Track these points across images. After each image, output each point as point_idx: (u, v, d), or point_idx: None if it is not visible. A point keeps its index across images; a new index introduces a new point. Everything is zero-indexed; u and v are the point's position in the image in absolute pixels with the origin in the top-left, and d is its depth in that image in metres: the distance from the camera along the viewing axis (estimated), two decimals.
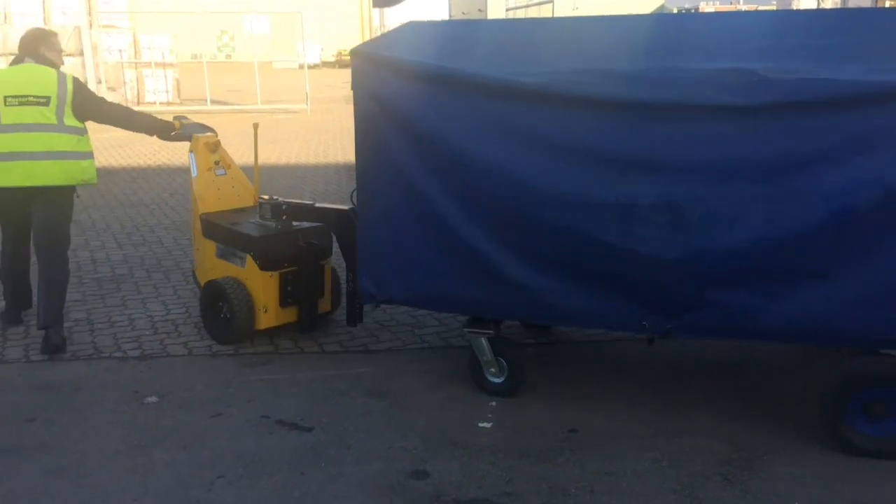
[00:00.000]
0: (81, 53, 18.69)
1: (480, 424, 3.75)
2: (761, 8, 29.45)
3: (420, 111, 3.73)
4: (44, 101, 4.50)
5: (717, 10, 38.74)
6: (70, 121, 4.60)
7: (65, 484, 3.24)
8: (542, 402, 3.98)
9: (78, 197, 4.77)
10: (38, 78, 4.57)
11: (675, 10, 57.32)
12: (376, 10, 43.55)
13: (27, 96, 4.48)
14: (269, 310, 4.57)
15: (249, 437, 3.62)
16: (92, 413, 3.84)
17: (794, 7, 24.78)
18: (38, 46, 4.73)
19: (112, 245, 6.95)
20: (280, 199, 4.79)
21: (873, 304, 3.20)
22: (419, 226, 3.82)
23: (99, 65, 19.13)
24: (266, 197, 4.84)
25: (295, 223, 4.74)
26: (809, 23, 3.44)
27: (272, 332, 4.84)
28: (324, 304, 4.88)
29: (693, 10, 47.40)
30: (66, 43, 18.50)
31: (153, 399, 3.99)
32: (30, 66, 4.64)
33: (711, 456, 3.45)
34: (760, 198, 3.24)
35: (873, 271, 3.18)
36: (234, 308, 4.51)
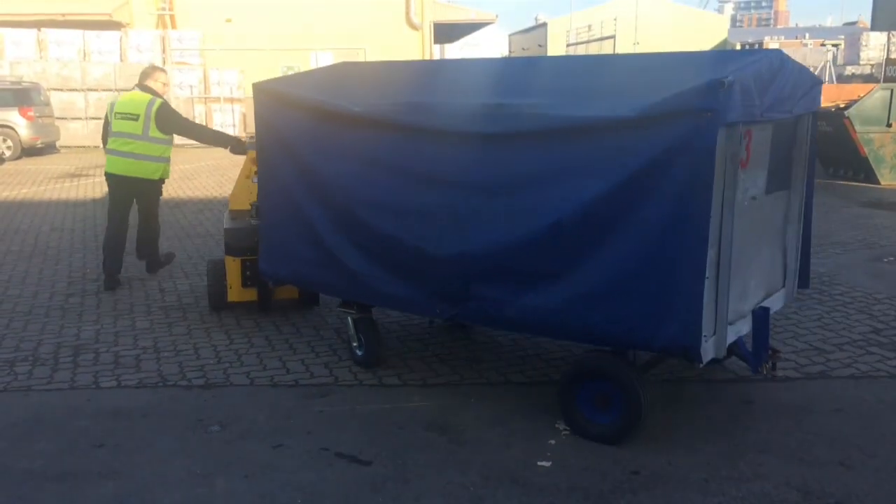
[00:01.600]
0: None
1: (540, 463, 3.69)
2: (828, 42, 28.89)
3: (291, 132, 4.73)
4: (134, 118, 6.37)
5: (782, 44, 38.18)
6: (154, 133, 6.40)
7: None
8: (604, 442, 3.90)
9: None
10: (135, 101, 6.46)
11: (738, 45, 56.71)
12: (437, 46, 44.27)
13: (126, 113, 6.41)
14: (233, 287, 5.78)
15: (309, 469, 3.64)
16: (157, 440, 3.92)
17: (863, 43, 24.24)
18: (144, 79, 6.61)
19: (179, 275, 7.14)
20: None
21: (588, 305, 3.69)
22: (295, 224, 4.77)
23: (171, 100, 19.87)
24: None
25: None
26: (566, 66, 4.30)
27: (331, 364, 4.89)
28: (290, 291, 5.86)
29: (757, 45, 46.80)
30: None
31: (216, 428, 4.05)
32: (133, 93, 6.58)
33: None
34: (503, 209, 3.88)
35: (585, 276, 3.68)
36: (211, 282, 5.94)
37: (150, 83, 6.59)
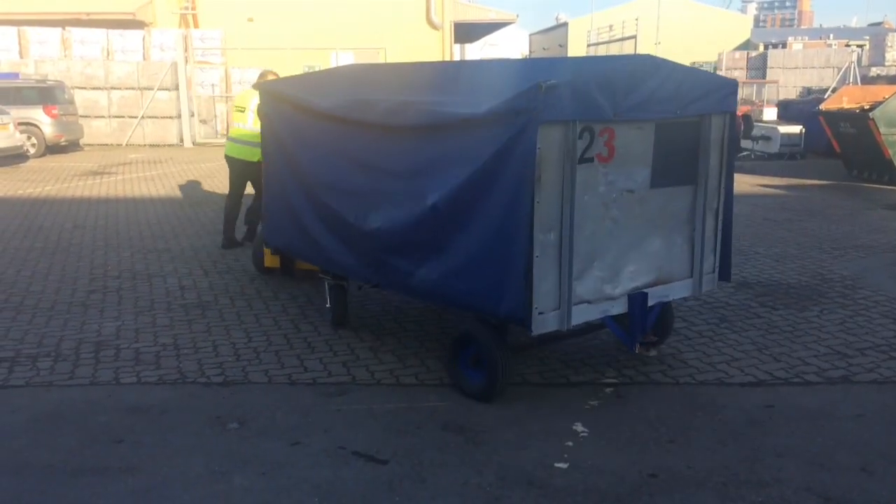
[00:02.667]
0: (177, 88, 19.58)
1: (557, 464, 3.67)
2: (853, 43, 28.54)
3: (281, 124, 5.64)
4: (242, 110, 7.74)
5: (806, 45, 37.80)
6: (256, 123, 7.03)
7: None
8: (622, 444, 3.88)
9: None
10: (244, 96, 7.80)
11: (760, 45, 56.22)
12: (457, 46, 44.24)
13: (238, 106, 7.87)
14: (266, 255, 6.77)
15: (326, 467, 3.65)
16: (176, 437, 3.95)
17: (888, 44, 23.91)
18: (258, 79, 7.19)
19: (199, 272, 7.19)
20: None
21: (456, 277, 4.27)
22: (284, 201, 5.67)
23: (192, 98, 19.99)
24: None
25: None
26: (470, 68, 5.00)
27: (349, 363, 4.91)
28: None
29: (780, 45, 46.37)
30: (163, 78, 19.46)
31: (235, 425, 4.08)
32: (247, 90, 7.83)
33: None
34: (403, 191, 4.53)
35: (454, 253, 4.26)
36: (255, 249, 7.07)
37: (260, 81, 7.60)
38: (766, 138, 17.26)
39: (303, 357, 5.04)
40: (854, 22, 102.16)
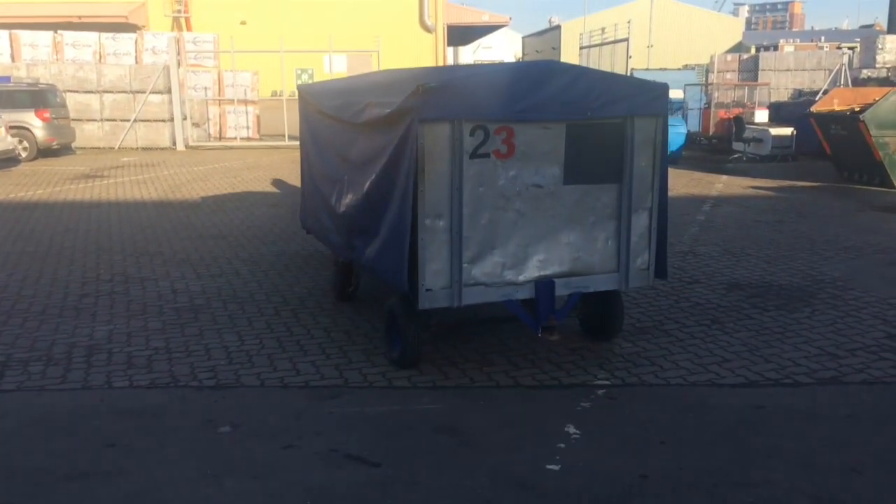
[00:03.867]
0: (169, 91, 19.54)
1: (549, 467, 3.68)
2: (844, 45, 28.64)
3: (306, 120, 6.78)
4: None
5: (797, 47, 37.93)
6: None
7: None
8: (613, 445, 3.89)
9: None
10: None
11: (752, 48, 56.42)
12: (451, 48, 44.28)
13: None
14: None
15: (318, 470, 3.65)
16: (168, 441, 3.95)
17: (879, 46, 24.02)
18: None
19: (191, 276, 7.18)
20: None
21: (380, 256, 4.87)
22: (308, 188, 6.77)
23: (185, 101, 19.95)
24: None
25: None
26: (413, 72, 5.43)
27: (341, 366, 4.91)
28: None
29: (772, 47, 46.56)
30: (156, 81, 19.43)
31: (226, 429, 4.08)
32: None
33: None
34: (358, 179, 5.25)
35: (379, 235, 4.86)
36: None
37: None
38: (758, 140, 17.32)
39: (295, 360, 5.04)
40: (845, 24, 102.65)
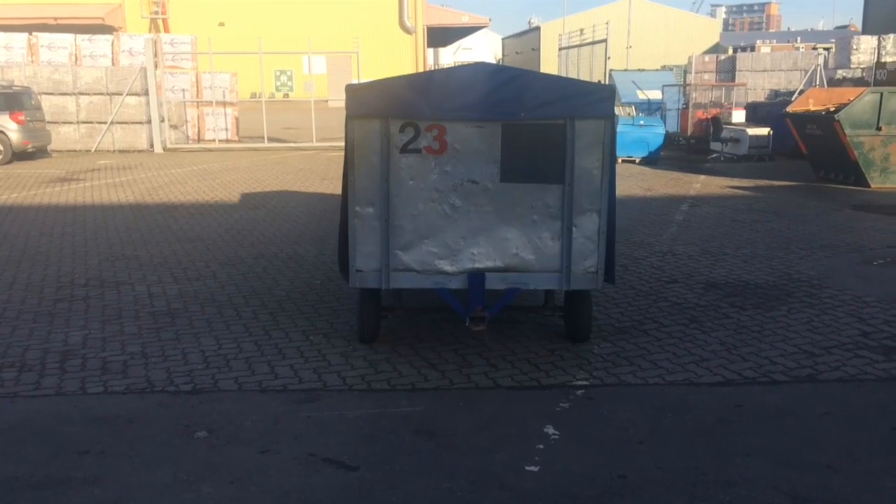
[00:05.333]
0: (146, 93, 19.37)
1: (528, 468, 3.68)
2: (819, 46, 28.98)
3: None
4: None
5: (774, 48, 38.34)
6: None
7: None
8: (592, 445, 3.90)
9: None
10: None
11: (730, 48, 56.89)
12: (431, 49, 44.29)
13: None
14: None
15: (296, 474, 3.62)
16: (143, 447, 3.90)
17: (854, 47, 24.33)
18: None
19: (168, 279, 7.11)
20: None
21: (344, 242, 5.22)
22: None
23: (163, 103, 19.79)
24: None
25: None
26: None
27: (320, 370, 4.88)
28: None
29: (749, 48, 47.00)
30: (133, 83, 19.25)
31: (203, 434, 4.03)
32: None
33: None
34: None
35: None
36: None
37: None
38: (735, 140, 17.46)
39: (273, 364, 5.01)
40: (821, 25, 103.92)
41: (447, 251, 4.99)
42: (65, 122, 19.70)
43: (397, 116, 4.85)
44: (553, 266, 4.99)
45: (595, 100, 4.85)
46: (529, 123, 4.83)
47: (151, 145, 19.65)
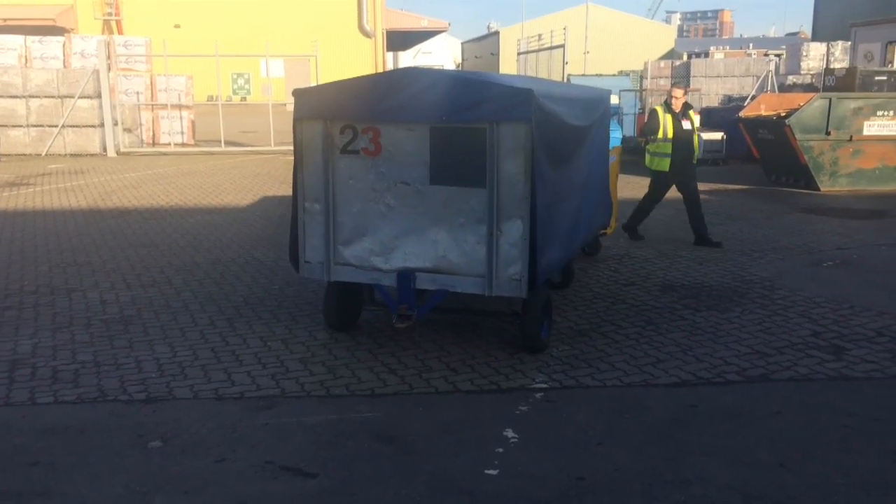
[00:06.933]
0: (99, 96, 18.98)
1: (487, 471, 3.68)
2: (771, 52, 29.64)
3: None
4: None
5: (727, 54, 39.08)
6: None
7: None
8: (551, 448, 3.92)
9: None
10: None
11: (684, 54, 57.85)
12: (390, 53, 44.23)
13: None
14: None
15: (253, 483, 3.57)
16: (95, 457, 3.81)
17: (804, 53, 24.94)
18: (667, 97, 8.66)
19: (122, 286, 6.97)
20: None
21: None
22: None
23: (116, 106, 19.41)
24: None
25: None
26: None
27: (278, 376, 4.83)
28: None
29: (703, 54, 47.87)
30: (85, 86, 18.86)
31: (157, 443, 3.96)
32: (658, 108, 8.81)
33: None
34: None
35: None
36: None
37: (668, 99, 8.75)
38: None
39: (230, 371, 4.93)
40: (772, 32, 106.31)
41: (383, 248, 5.17)
42: (14, 126, 19.18)
43: (337, 119, 5.09)
44: (478, 270, 4.98)
45: (514, 103, 4.75)
46: (455, 127, 4.87)
47: (104, 149, 19.25)
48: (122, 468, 3.70)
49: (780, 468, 3.71)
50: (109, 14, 29.02)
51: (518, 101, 4.77)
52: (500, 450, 3.89)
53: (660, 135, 8.61)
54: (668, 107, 8.70)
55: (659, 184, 8.99)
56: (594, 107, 6.68)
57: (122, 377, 4.83)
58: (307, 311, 6.16)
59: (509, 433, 4.07)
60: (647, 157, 8.99)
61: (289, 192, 13.05)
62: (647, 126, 8.87)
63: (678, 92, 8.75)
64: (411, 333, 5.54)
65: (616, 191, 8.54)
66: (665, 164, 8.71)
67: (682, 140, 8.60)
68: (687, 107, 8.70)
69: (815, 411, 4.39)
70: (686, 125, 8.63)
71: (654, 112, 8.79)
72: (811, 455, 3.85)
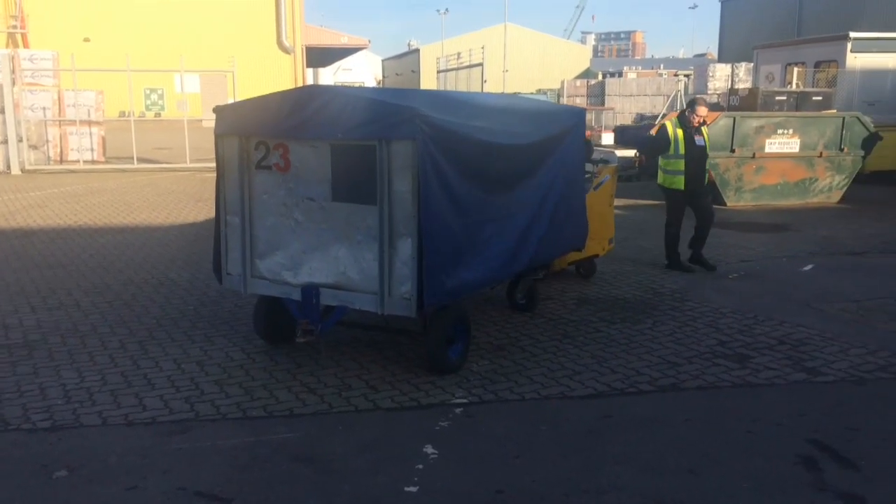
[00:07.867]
0: (2, 111, 18.18)
1: (407, 489, 3.68)
2: (680, 73, 30.84)
3: None
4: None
5: (639, 74, 40.46)
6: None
7: None
8: (470, 463, 3.95)
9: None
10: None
11: (599, 74, 59.60)
12: (310, 70, 43.94)
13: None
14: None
15: None
16: None
17: (710, 74, 26.08)
18: (683, 110, 8.40)
19: (25, 309, 6.67)
20: None
21: None
22: None
23: (21, 122, 18.62)
24: None
25: None
26: None
27: (192, 399, 4.71)
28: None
29: (617, 74, 49.41)
30: None
31: (63, 473, 3.80)
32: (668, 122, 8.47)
33: None
34: None
35: None
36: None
37: (688, 114, 8.34)
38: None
39: (141, 395, 4.78)
40: (681, 53, 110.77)
41: (292, 263, 5.24)
42: None
43: (252, 135, 5.20)
44: (374, 287, 4.96)
45: (398, 121, 4.73)
46: (350, 144, 4.92)
47: (8, 167, 18.42)
48: (24, 500, 3.54)
49: (689, 474, 3.85)
50: (14, 27, 27.89)
51: (401, 119, 4.74)
52: (420, 466, 3.90)
53: (671, 150, 8.36)
54: (681, 122, 8.35)
55: (676, 205, 8.57)
56: (549, 121, 6.50)
57: (26, 405, 4.62)
58: (223, 331, 6.03)
59: (429, 449, 4.08)
60: (660, 174, 8.73)
61: (205, 210, 12.82)
62: (656, 142, 8.56)
63: (703, 110, 8.33)
64: (332, 353, 5.50)
65: (612, 210, 8.42)
66: (680, 182, 8.39)
67: (694, 156, 8.32)
68: (701, 123, 8.40)
69: (722, 418, 4.57)
70: (699, 141, 8.36)
71: (663, 128, 8.46)
72: (718, 461, 4.01)
